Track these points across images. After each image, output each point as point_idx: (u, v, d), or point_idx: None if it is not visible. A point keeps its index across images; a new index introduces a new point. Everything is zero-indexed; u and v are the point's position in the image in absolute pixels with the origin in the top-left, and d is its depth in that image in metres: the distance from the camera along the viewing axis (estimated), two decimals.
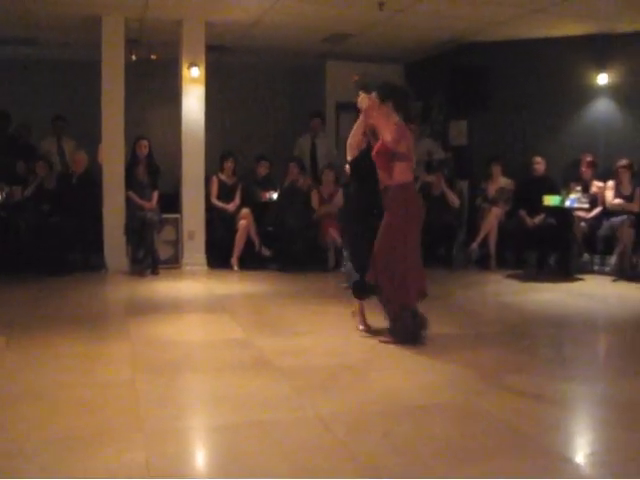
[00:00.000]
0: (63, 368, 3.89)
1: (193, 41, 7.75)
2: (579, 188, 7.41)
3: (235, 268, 7.77)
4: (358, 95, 4.71)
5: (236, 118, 10.44)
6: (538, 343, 4.84)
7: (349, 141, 4.83)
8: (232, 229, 7.84)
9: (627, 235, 7.15)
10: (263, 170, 8.42)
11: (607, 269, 7.45)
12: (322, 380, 3.73)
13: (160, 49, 9.07)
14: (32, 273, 7.09)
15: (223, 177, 8.12)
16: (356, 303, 4.90)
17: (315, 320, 5.28)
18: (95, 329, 4.88)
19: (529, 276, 7.41)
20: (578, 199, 7.33)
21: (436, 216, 7.30)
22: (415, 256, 4.53)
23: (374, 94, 4.60)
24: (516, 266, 7.88)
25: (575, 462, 2.76)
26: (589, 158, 7.90)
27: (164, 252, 7.82)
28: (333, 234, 7.68)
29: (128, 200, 7.64)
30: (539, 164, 7.98)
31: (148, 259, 7.46)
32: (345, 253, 4.98)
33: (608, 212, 7.53)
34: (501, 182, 8.12)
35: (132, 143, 7.79)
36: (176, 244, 7.93)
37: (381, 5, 6.72)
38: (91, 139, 8.16)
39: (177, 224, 7.94)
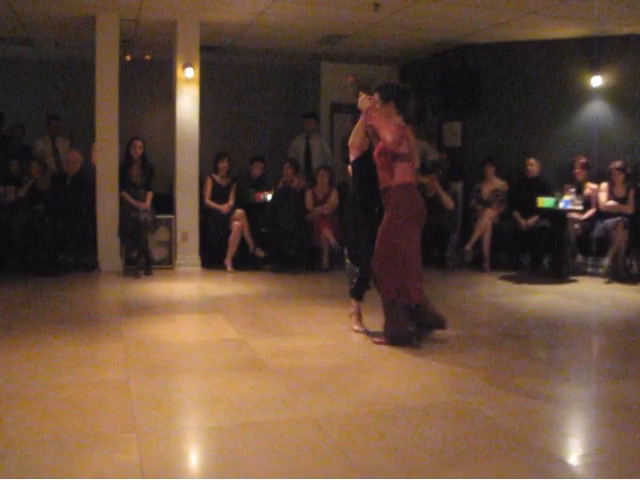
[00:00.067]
0: (56, 369, 3.87)
1: (187, 42, 7.73)
2: (573, 190, 7.42)
3: (229, 269, 7.77)
4: (357, 96, 4.71)
5: (230, 119, 10.45)
6: (532, 344, 4.85)
7: (350, 142, 4.83)
8: (226, 230, 7.83)
9: (620, 237, 7.18)
10: (257, 171, 8.42)
11: (600, 271, 7.49)
12: (316, 381, 3.73)
13: (155, 49, 9.06)
14: (25, 273, 7.09)
15: (217, 178, 8.11)
16: (354, 303, 4.92)
17: (309, 321, 5.28)
18: (88, 330, 4.86)
19: (523, 277, 7.44)
20: (572, 201, 7.34)
21: (430, 218, 7.28)
22: (416, 257, 4.53)
23: (376, 95, 4.60)
24: (510, 267, 7.93)
25: (569, 463, 2.77)
26: (583, 160, 7.94)
27: (158, 253, 7.82)
28: (327, 235, 7.69)
29: (122, 201, 7.62)
30: (533, 166, 8.02)
31: (142, 260, 7.46)
32: (345, 251, 4.99)
33: (602, 214, 7.57)
34: (495, 183, 8.15)
35: (126, 143, 7.76)
36: (170, 245, 7.92)
37: (376, 6, 6.74)
38: (85, 139, 8.15)
39: (171, 225, 7.93)
